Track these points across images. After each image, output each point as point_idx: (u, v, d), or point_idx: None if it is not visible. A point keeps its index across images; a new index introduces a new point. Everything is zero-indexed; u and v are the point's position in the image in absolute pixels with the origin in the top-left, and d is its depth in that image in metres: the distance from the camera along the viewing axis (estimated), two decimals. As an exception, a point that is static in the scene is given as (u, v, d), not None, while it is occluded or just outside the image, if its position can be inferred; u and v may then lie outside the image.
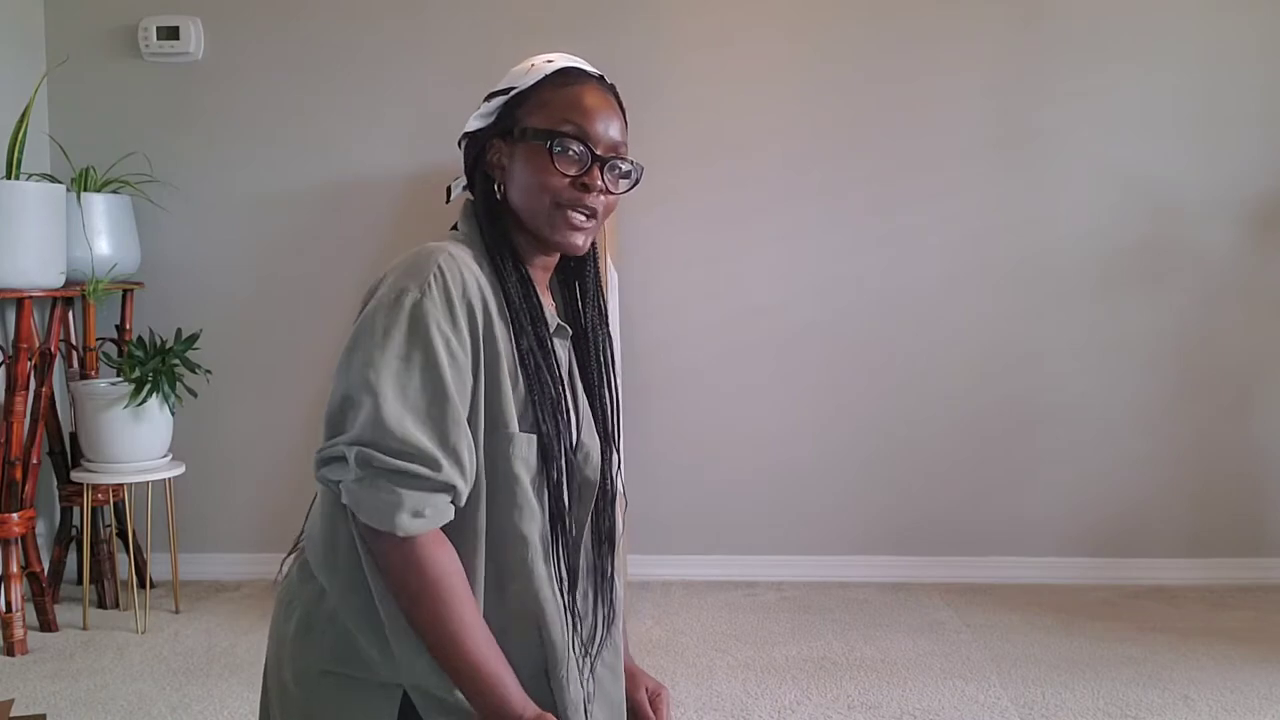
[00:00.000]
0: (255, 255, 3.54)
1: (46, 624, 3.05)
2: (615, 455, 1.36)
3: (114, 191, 3.31)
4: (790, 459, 3.51)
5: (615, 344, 1.40)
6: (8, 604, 2.91)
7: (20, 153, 2.97)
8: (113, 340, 3.42)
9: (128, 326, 3.42)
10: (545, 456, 1.24)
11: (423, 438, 1.15)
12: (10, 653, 2.86)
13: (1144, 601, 3.32)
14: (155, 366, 3.06)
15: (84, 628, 3.08)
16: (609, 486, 1.35)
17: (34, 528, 3.05)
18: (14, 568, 2.93)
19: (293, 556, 1.36)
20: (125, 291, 3.41)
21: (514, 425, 1.22)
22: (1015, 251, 3.46)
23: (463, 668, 1.18)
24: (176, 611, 3.21)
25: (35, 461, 3.01)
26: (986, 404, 3.49)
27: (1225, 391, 3.47)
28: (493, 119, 1.33)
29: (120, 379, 3.09)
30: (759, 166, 3.47)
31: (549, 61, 1.31)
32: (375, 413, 1.14)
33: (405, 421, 1.14)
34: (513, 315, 1.24)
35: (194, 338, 3.18)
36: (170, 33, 3.43)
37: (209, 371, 3.26)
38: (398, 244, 3.52)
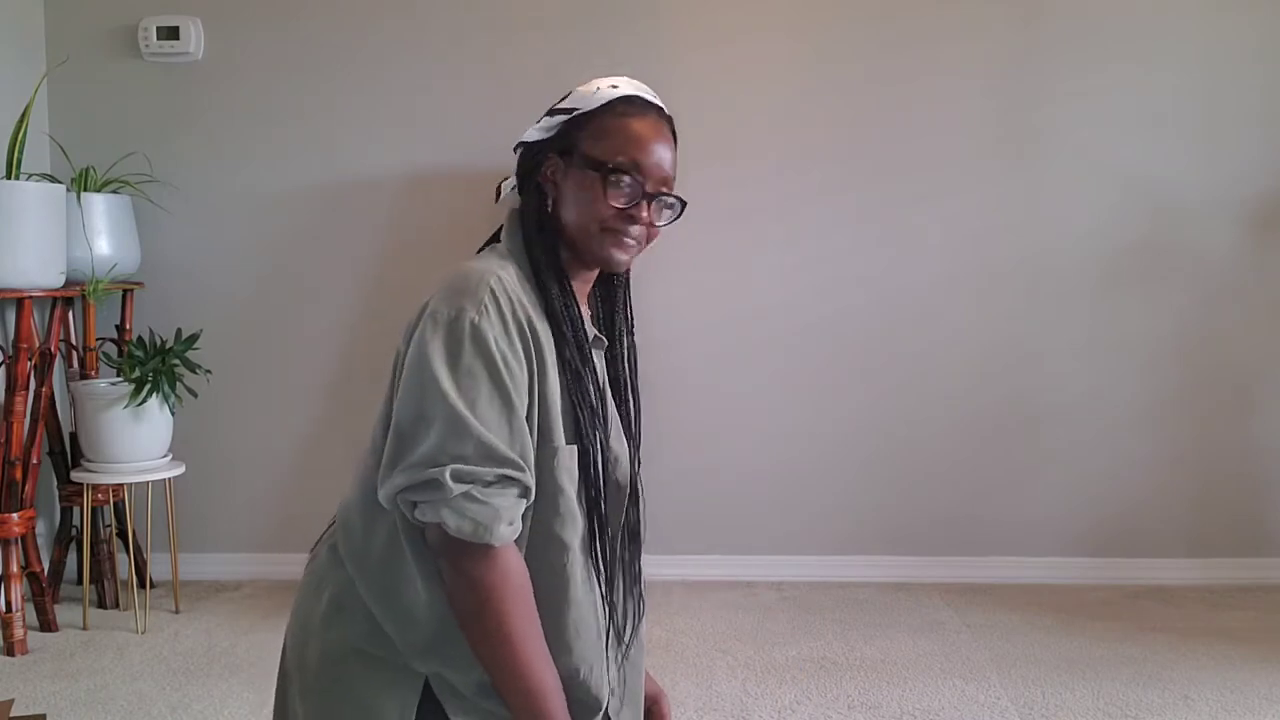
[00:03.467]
0: (255, 255, 3.54)
1: (46, 624, 3.05)
2: (638, 459, 1.41)
3: (114, 191, 3.31)
4: (790, 459, 3.51)
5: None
6: (8, 604, 2.91)
7: (20, 153, 2.97)
8: (113, 340, 3.42)
9: (128, 326, 3.42)
10: (585, 465, 1.29)
11: (504, 446, 1.19)
12: (10, 653, 2.86)
13: (1144, 601, 3.32)
14: (155, 366, 3.06)
15: (84, 628, 3.08)
16: (637, 488, 1.40)
17: (34, 528, 3.05)
18: (14, 568, 2.93)
19: (324, 539, 1.38)
20: (125, 291, 3.41)
21: (560, 438, 1.27)
22: (1015, 252, 3.46)
23: (518, 676, 1.20)
24: (176, 611, 3.21)
25: (35, 461, 3.01)
26: (986, 404, 3.49)
27: (1225, 392, 3.47)
28: (552, 134, 1.35)
29: (120, 379, 3.09)
30: (759, 166, 3.47)
31: (614, 87, 1.34)
32: (455, 425, 1.17)
33: (485, 431, 1.18)
34: (555, 326, 1.29)
35: (194, 338, 3.18)
36: (170, 33, 3.43)
37: (209, 371, 3.26)
38: (397, 244, 3.52)
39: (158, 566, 3.40)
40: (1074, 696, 2.61)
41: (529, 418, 1.25)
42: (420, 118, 3.48)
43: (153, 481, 3.16)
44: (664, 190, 1.33)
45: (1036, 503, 3.49)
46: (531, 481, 1.22)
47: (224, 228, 3.53)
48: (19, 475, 2.95)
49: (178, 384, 3.10)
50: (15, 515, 2.93)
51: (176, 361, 3.11)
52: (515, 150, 1.39)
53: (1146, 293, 3.46)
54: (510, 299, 1.25)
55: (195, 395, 3.21)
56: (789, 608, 3.26)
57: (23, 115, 3.00)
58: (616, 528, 1.37)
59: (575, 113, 1.33)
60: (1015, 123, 3.44)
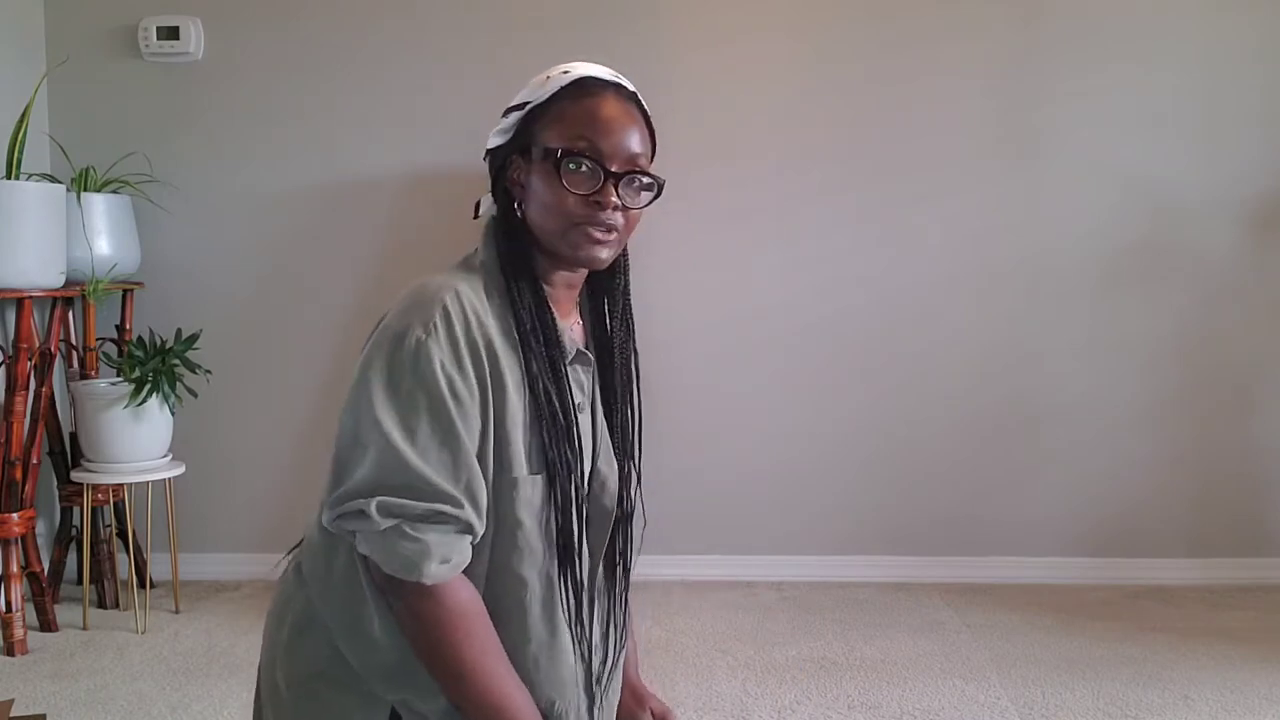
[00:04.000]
0: (255, 255, 3.54)
1: (46, 624, 3.05)
2: (635, 475, 1.33)
3: (114, 191, 3.31)
4: (790, 459, 3.51)
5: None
6: (8, 604, 2.91)
7: (20, 153, 2.97)
8: (113, 340, 3.42)
9: (128, 326, 3.42)
10: (553, 494, 1.21)
11: (439, 478, 1.12)
12: (10, 653, 2.86)
13: (1144, 601, 3.32)
14: (155, 366, 3.06)
15: (84, 628, 3.07)
16: (627, 508, 1.32)
17: (34, 528, 3.05)
18: (14, 568, 2.93)
19: (290, 557, 1.34)
20: (125, 291, 3.41)
21: (521, 469, 1.19)
22: (1015, 252, 3.46)
23: (481, 705, 1.16)
24: (176, 611, 3.21)
25: (35, 461, 3.01)
26: (987, 404, 3.49)
27: (1225, 392, 3.47)
28: (510, 135, 1.27)
29: (120, 379, 3.09)
30: (759, 166, 3.47)
31: (565, 73, 1.25)
32: (388, 455, 1.11)
33: (420, 463, 1.11)
34: (522, 339, 1.20)
35: (194, 338, 3.18)
36: (170, 33, 3.43)
37: (209, 371, 3.26)
38: (397, 244, 3.52)
39: (158, 566, 3.40)
40: (1074, 696, 2.61)
41: (482, 447, 1.17)
42: (420, 118, 3.48)
43: (153, 481, 3.16)
44: (633, 169, 1.21)
45: (1036, 503, 3.49)
46: (474, 518, 1.14)
47: (224, 228, 3.53)
48: (19, 475, 2.95)
49: (178, 384, 3.10)
50: (15, 515, 2.93)
51: (176, 361, 3.11)
52: (484, 159, 1.31)
53: (1146, 293, 3.46)
54: (466, 317, 1.17)
55: (195, 395, 3.20)
56: (789, 608, 3.26)
57: (23, 115, 3.00)
58: (598, 555, 1.29)
59: (528, 106, 1.25)
60: (1015, 123, 3.44)
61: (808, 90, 3.46)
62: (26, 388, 2.98)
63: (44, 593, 3.06)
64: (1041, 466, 3.50)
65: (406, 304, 1.19)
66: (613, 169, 1.19)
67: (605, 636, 1.32)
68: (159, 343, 3.14)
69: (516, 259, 1.24)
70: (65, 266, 3.06)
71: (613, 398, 1.32)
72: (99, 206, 3.23)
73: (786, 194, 3.47)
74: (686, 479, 3.48)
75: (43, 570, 3.09)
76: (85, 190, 3.22)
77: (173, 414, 3.16)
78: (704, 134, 3.45)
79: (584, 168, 1.19)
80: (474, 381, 1.16)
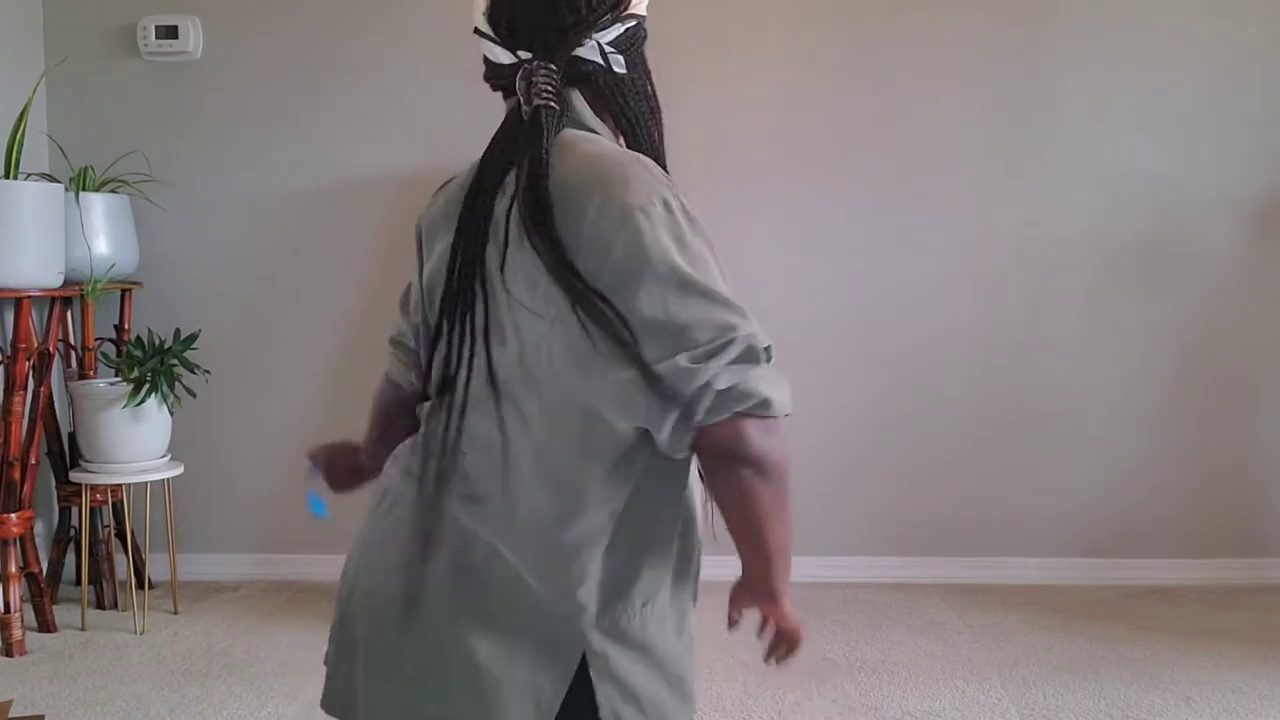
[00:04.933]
0: (255, 255, 3.53)
1: (45, 625, 3.04)
2: None
3: (113, 191, 3.31)
4: (789, 459, 3.50)
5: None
6: (6, 605, 2.91)
7: (19, 152, 2.96)
8: (111, 340, 3.42)
9: (126, 326, 3.42)
10: None
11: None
12: (9, 653, 2.85)
13: (1143, 602, 3.32)
14: (154, 366, 3.06)
15: (82, 628, 3.07)
16: None
17: (32, 528, 3.04)
18: (13, 568, 2.92)
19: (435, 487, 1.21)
20: (124, 291, 3.41)
21: None
22: (1015, 251, 3.46)
23: (785, 536, 1.31)
24: (175, 612, 3.21)
25: (34, 462, 3.01)
26: (987, 404, 3.49)
27: (1225, 391, 3.47)
28: (645, 13, 1.34)
29: (119, 379, 3.08)
30: (759, 166, 3.46)
31: None
32: (729, 305, 1.17)
33: (742, 307, 1.18)
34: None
35: (193, 338, 3.18)
36: (169, 32, 3.43)
37: (208, 371, 3.25)
38: (397, 244, 3.51)
39: (156, 567, 3.40)
40: (1075, 697, 2.60)
41: None
42: (420, 118, 3.48)
43: (151, 482, 3.15)
44: None
45: (1036, 503, 3.49)
46: None
47: (223, 228, 3.53)
48: (17, 476, 2.94)
49: (176, 384, 3.10)
50: (14, 516, 2.93)
51: (175, 361, 3.11)
52: (612, 14, 1.26)
53: (1147, 292, 3.45)
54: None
55: (194, 395, 3.20)
56: (789, 608, 3.25)
57: (21, 115, 3.00)
58: None
59: (641, 19, 1.31)
60: (1015, 123, 3.44)
61: (809, 90, 3.46)
62: (25, 388, 2.97)
63: (42, 593, 3.05)
64: (1041, 467, 3.50)
65: (628, 179, 1.18)
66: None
67: None
68: (158, 343, 3.13)
69: (653, 121, 1.37)
70: (64, 266, 3.05)
71: None
72: (98, 206, 3.22)
73: (786, 194, 3.47)
74: (686, 479, 3.47)
75: (41, 571, 3.09)
76: (84, 190, 3.21)
77: (171, 414, 3.15)
78: (704, 134, 3.44)
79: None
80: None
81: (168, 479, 3.17)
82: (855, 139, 3.47)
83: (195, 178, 3.50)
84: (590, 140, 1.25)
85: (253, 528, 3.57)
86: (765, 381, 1.16)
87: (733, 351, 1.13)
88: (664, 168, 1.28)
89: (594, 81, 1.27)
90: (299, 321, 3.54)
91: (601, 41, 1.25)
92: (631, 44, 1.28)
